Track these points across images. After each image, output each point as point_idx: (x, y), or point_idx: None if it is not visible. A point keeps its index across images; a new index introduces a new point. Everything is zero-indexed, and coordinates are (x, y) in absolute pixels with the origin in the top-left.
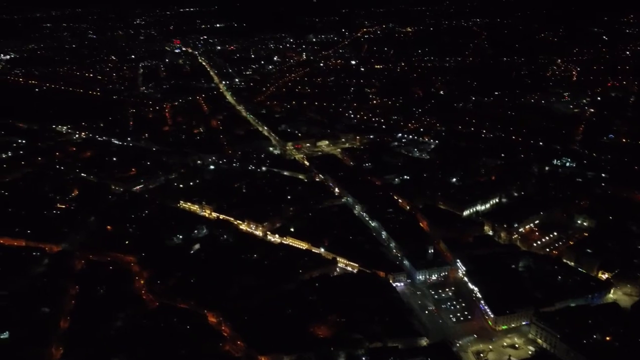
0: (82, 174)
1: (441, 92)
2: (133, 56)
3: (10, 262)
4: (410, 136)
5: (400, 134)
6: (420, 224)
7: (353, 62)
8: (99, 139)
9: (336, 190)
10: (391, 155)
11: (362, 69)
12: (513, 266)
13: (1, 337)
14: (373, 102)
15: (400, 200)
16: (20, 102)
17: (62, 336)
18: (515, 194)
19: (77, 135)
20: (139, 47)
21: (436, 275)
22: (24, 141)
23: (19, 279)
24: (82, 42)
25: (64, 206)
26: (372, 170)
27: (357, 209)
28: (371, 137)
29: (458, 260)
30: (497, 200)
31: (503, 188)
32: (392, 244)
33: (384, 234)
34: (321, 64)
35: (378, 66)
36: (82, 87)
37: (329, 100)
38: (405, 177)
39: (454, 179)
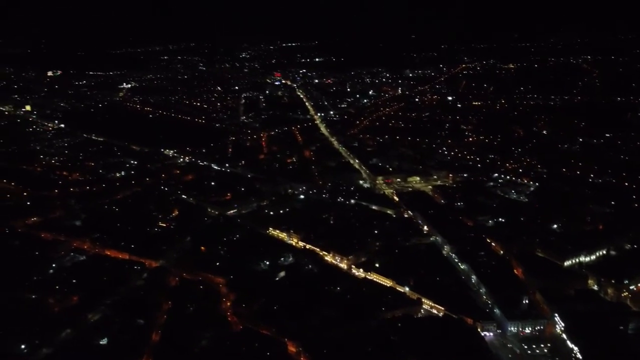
0: (183, 196)
1: (544, 132)
2: (237, 87)
3: (114, 273)
4: (508, 177)
5: (496, 174)
6: (515, 271)
7: (450, 98)
8: (201, 163)
9: (425, 228)
10: (486, 195)
11: (459, 105)
12: (621, 327)
13: (101, 342)
14: (469, 139)
15: (493, 244)
16: (136, 127)
17: (153, 348)
18: (627, 247)
19: (181, 159)
20: (242, 79)
21: (530, 329)
22: (135, 162)
23: (121, 290)
24: (193, 73)
25: (164, 225)
26: (464, 210)
27: (446, 250)
28: (465, 175)
29: (556, 315)
30: (604, 252)
31: (612, 239)
32: (483, 290)
33: (473, 278)
34: (416, 99)
35: (476, 103)
36: (190, 115)
37: (423, 136)
38: (500, 219)
39: (555, 226)
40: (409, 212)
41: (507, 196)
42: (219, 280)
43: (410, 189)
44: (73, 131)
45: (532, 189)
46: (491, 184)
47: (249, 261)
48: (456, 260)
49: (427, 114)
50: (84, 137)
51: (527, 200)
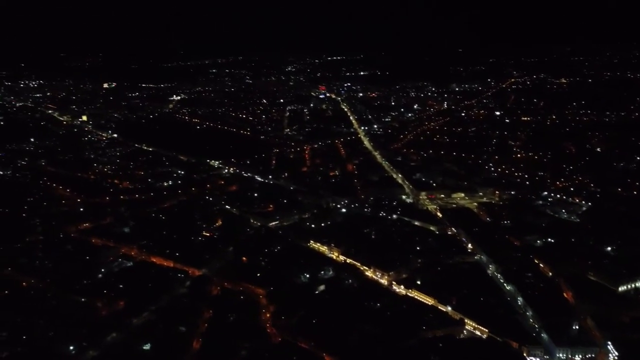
0: (227, 206)
1: (598, 149)
2: (282, 100)
3: (159, 280)
4: (558, 195)
5: (546, 192)
6: (565, 294)
7: (497, 113)
8: (244, 174)
9: (469, 246)
10: (534, 214)
11: (507, 121)
12: None
13: (144, 347)
14: (517, 155)
15: (541, 265)
16: (184, 138)
17: (194, 356)
18: None
19: (226, 170)
20: (287, 92)
21: (580, 356)
22: (182, 172)
23: (165, 297)
24: (239, 86)
25: (208, 234)
26: (511, 229)
27: (491, 269)
28: (512, 193)
29: (609, 343)
30: None
31: None
32: (529, 313)
33: (520, 300)
34: (462, 114)
35: (525, 118)
36: (235, 127)
37: (468, 152)
38: (550, 240)
39: (609, 248)
40: (453, 229)
41: (557, 216)
42: (260, 291)
43: (454, 206)
44: (125, 141)
45: (584, 208)
46: (540, 202)
47: (289, 273)
48: (502, 281)
49: (473, 129)
50: (135, 146)
51: (578, 220)
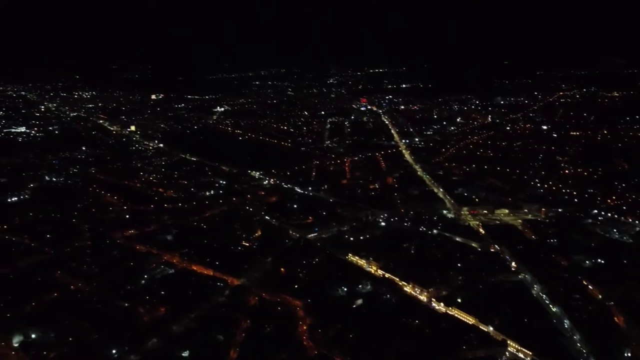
0: (266, 217)
1: None
2: (323, 112)
3: (199, 288)
4: (609, 214)
5: (596, 211)
6: (615, 319)
7: (544, 127)
8: (284, 186)
9: (513, 264)
10: (583, 233)
11: (555, 135)
12: None
13: (183, 354)
14: (565, 171)
15: (590, 287)
16: (226, 148)
17: None
18: None
19: (266, 181)
20: (329, 104)
21: None
22: (224, 182)
23: (204, 305)
24: (281, 98)
25: (247, 244)
26: (557, 248)
27: (536, 290)
28: (560, 210)
29: None
30: None
31: None
32: (577, 337)
33: (566, 323)
34: (507, 128)
35: (574, 133)
36: (277, 138)
37: (513, 167)
38: (599, 260)
39: None
40: (496, 246)
41: (607, 235)
42: (297, 303)
43: (497, 222)
44: (170, 151)
45: (637, 228)
46: (589, 221)
47: (327, 286)
48: (547, 302)
49: (519, 143)
50: (179, 156)
51: (631, 241)
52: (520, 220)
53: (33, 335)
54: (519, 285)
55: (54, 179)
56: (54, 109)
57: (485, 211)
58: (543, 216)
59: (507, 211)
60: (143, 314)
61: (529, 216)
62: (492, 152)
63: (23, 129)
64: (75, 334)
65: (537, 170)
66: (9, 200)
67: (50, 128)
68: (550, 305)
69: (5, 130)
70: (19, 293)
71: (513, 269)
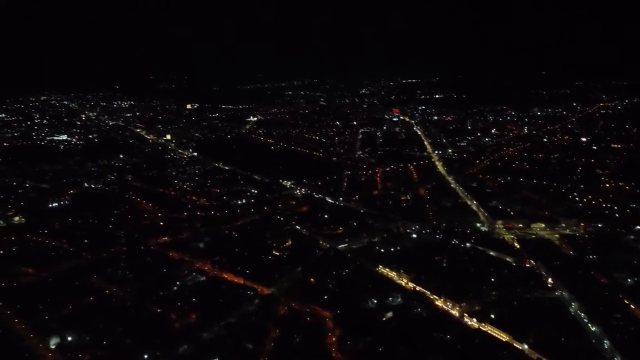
0: (297, 227)
1: None
2: (355, 122)
3: (230, 296)
4: None
5: (638, 227)
6: None
7: (584, 139)
8: (315, 196)
9: (549, 281)
10: (624, 250)
11: (595, 147)
12: None
13: None
14: (605, 185)
15: (632, 307)
16: (259, 158)
17: None
18: None
19: (297, 191)
20: (361, 114)
21: None
22: (256, 191)
23: (234, 313)
24: (314, 108)
25: (278, 253)
26: (597, 265)
27: (574, 307)
28: (599, 225)
29: None
30: None
31: None
32: (617, 358)
33: (606, 344)
34: (545, 139)
35: (615, 145)
36: (308, 148)
37: (551, 180)
38: None
39: None
40: (532, 261)
41: None
42: (326, 314)
43: (533, 237)
44: (204, 159)
45: None
46: (631, 237)
47: (356, 297)
48: (585, 321)
49: (556, 155)
50: (213, 165)
51: None
52: (557, 235)
53: (69, 338)
54: (556, 303)
55: (93, 186)
56: (94, 117)
57: (521, 225)
58: (582, 231)
59: (543, 225)
60: (174, 320)
61: (567, 231)
62: (528, 164)
63: (65, 137)
64: (109, 337)
65: (575, 184)
66: (50, 205)
67: (90, 136)
68: (589, 325)
69: (48, 138)
70: (57, 296)
71: (550, 285)
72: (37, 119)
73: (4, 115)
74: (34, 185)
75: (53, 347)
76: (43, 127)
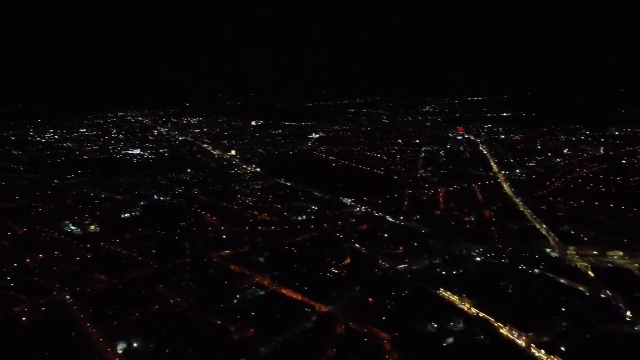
0: (356, 245)
1: None
2: (417, 141)
3: (288, 312)
4: None
5: None
6: None
7: None
8: (376, 214)
9: (628, 314)
10: None
11: None
12: None
13: None
14: None
15: None
16: (320, 175)
17: None
18: None
19: (357, 209)
20: (424, 132)
21: None
22: (316, 208)
23: (292, 329)
24: (376, 126)
25: (336, 271)
26: None
27: None
28: None
29: None
30: None
31: None
32: None
33: None
34: (623, 161)
35: None
36: (370, 166)
37: (630, 204)
38: None
39: None
40: (608, 292)
41: None
42: (384, 336)
43: (610, 265)
44: (266, 175)
45: None
46: None
47: (416, 321)
48: None
49: (636, 178)
50: (275, 181)
51: None
52: (637, 265)
53: (135, 345)
54: (635, 338)
55: (162, 198)
56: (165, 133)
57: (596, 252)
58: None
59: (621, 253)
60: (234, 333)
61: None
62: (605, 187)
63: (138, 151)
64: (172, 346)
65: None
66: (123, 216)
67: (161, 151)
68: None
69: (123, 152)
70: (125, 303)
71: (628, 319)
72: (114, 133)
73: (85, 130)
74: (109, 197)
75: (120, 352)
76: (119, 142)
